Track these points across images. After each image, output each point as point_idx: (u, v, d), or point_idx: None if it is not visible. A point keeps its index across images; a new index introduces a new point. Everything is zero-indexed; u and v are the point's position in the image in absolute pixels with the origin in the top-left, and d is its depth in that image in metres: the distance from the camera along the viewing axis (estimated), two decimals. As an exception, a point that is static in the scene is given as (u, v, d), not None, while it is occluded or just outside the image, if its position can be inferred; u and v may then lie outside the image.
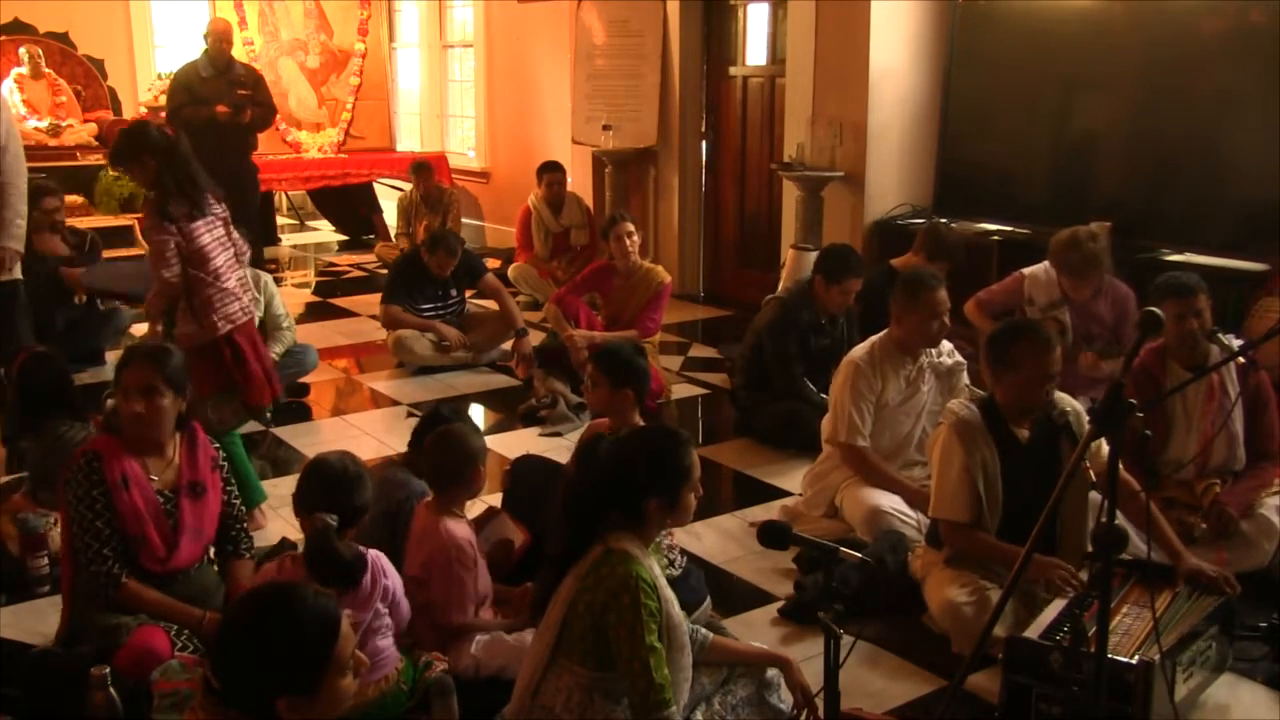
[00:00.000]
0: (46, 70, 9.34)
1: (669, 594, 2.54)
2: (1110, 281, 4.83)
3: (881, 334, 4.10)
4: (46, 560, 3.64)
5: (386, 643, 2.85)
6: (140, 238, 8.47)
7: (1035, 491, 2.95)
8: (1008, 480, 3.24)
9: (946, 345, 4.16)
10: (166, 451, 3.11)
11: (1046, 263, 4.88)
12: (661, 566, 3.04)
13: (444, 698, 2.79)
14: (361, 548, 2.80)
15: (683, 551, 3.40)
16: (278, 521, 4.24)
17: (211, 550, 3.27)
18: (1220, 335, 3.77)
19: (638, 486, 2.52)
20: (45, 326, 5.72)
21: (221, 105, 7.55)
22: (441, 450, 3.14)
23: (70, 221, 6.71)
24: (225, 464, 3.29)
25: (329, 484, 2.83)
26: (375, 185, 10.63)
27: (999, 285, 5.05)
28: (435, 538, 3.03)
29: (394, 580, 2.88)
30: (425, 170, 8.89)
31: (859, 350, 4.10)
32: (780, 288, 5.95)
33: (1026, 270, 4.94)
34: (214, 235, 3.94)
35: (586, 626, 2.47)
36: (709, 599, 3.37)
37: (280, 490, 4.60)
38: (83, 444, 3.88)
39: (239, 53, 8.93)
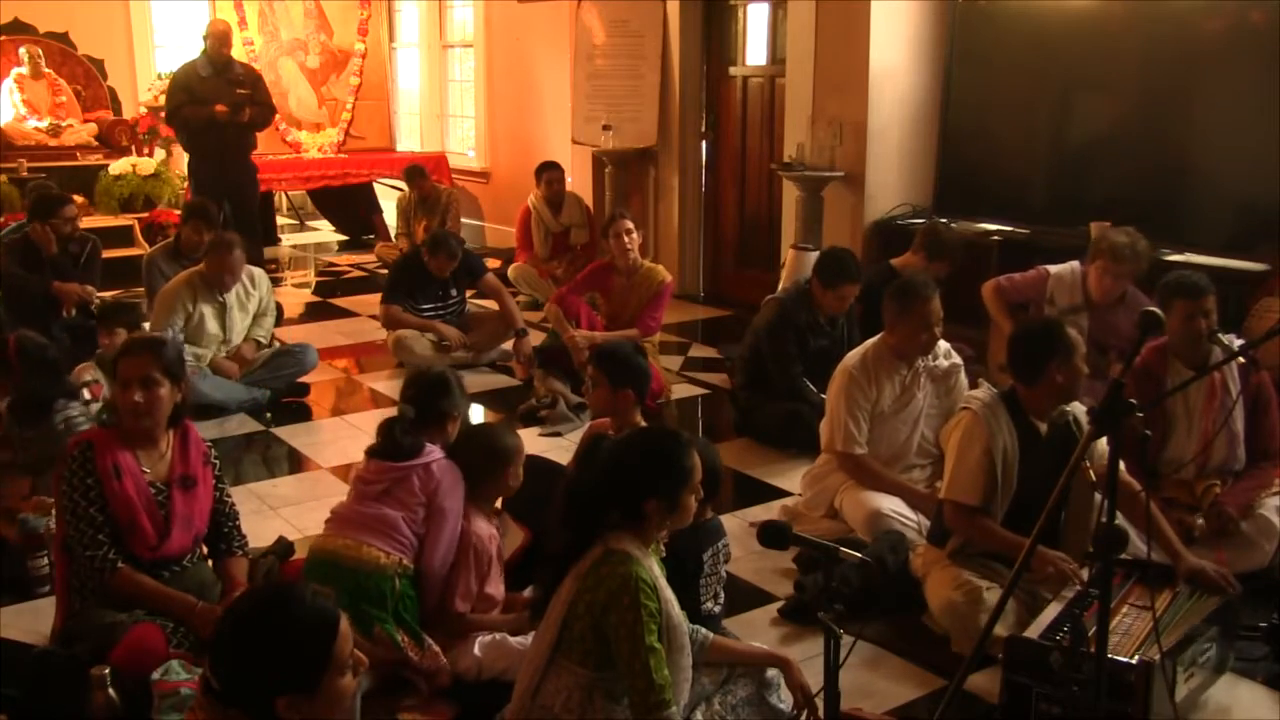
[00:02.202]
0: (46, 70, 9.34)
1: (669, 594, 2.54)
2: (1133, 293, 4.79)
3: (875, 340, 4.09)
4: (46, 560, 3.64)
5: (405, 532, 3.05)
6: (140, 237, 8.50)
7: (1045, 486, 2.95)
8: (1023, 470, 3.25)
9: (944, 346, 4.14)
10: (159, 445, 3.15)
11: (1074, 264, 4.83)
12: (705, 598, 3.04)
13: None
14: (437, 450, 3.18)
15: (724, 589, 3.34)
16: (276, 520, 4.24)
17: (204, 548, 3.28)
18: (1220, 335, 3.76)
19: (637, 486, 2.52)
20: (48, 339, 5.71)
21: (220, 104, 7.54)
22: (467, 449, 3.23)
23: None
24: (217, 461, 3.31)
25: (417, 381, 3.37)
26: (375, 185, 10.63)
27: (1022, 276, 4.98)
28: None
29: (443, 488, 3.10)
30: (418, 174, 8.88)
31: (852, 357, 4.09)
32: (780, 288, 5.95)
33: (1053, 268, 4.88)
34: None
35: (587, 627, 2.47)
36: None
37: (280, 490, 4.61)
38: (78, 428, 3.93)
39: (239, 53, 8.94)
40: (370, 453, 3.23)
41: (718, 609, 3.14)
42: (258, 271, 5.85)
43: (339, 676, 1.83)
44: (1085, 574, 3.09)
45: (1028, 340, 3.34)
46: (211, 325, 5.55)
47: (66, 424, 4.06)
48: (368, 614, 2.96)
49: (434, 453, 3.18)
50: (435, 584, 3.11)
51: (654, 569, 2.53)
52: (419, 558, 3.10)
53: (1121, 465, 2.44)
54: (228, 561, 3.28)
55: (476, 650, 3.05)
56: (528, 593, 3.32)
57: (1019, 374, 3.31)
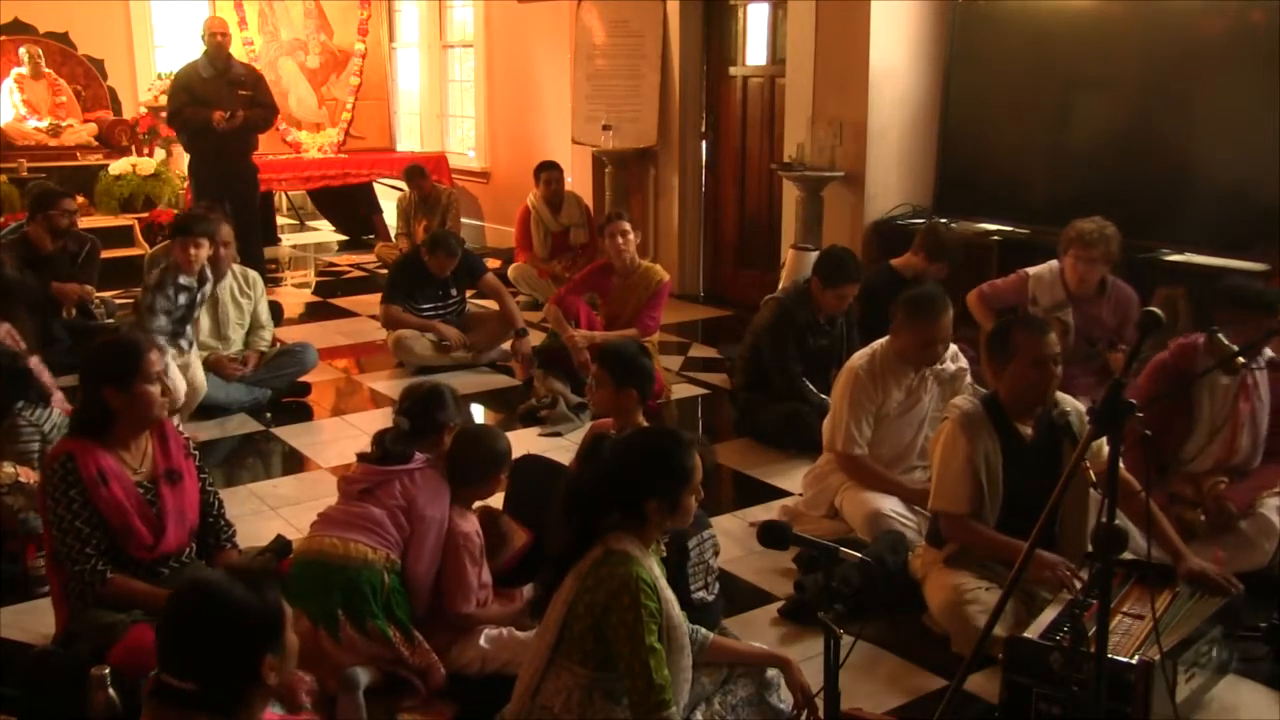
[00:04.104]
0: (46, 70, 9.34)
1: (669, 595, 2.54)
2: (1114, 283, 4.83)
3: (883, 341, 4.08)
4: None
5: (390, 531, 3.06)
6: (140, 237, 8.50)
7: (1036, 489, 2.95)
8: (1009, 476, 3.25)
9: (951, 349, 4.14)
10: (139, 444, 3.13)
11: (1052, 263, 4.87)
12: (696, 586, 3.06)
13: (349, 692, 2.81)
14: (422, 457, 3.20)
15: (719, 579, 3.37)
16: (276, 520, 4.24)
17: (195, 547, 3.27)
18: (1221, 335, 3.76)
19: (637, 486, 2.52)
20: (47, 339, 5.69)
21: (218, 112, 7.51)
22: (467, 449, 3.24)
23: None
24: (196, 453, 3.31)
25: (411, 393, 3.36)
26: (375, 185, 10.63)
27: (1003, 281, 5.04)
28: (447, 523, 3.14)
29: (420, 500, 3.11)
30: (418, 174, 8.87)
31: (860, 358, 4.08)
32: (779, 288, 5.95)
33: (1031, 270, 4.94)
34: None
35: (586, 627, 2.47)
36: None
37: (280, 490, 4.61)
38: (39, 423, 3.88)
39: (239, 53, 8.92)
40: (360, 458, 3.27)
41: (710, 597, 3.18)
42: (254, 274, 5.84)
43: (290, 630, 1.91)
44: (1084, 575, 3.09)
45: (991, 332, 3.42)
46: (205, 320, 5.54)
47: (12, 430, 3.95)
48: (360, 609, 2.96)
49: (419, 461, 3.20)
50: (422, 590, 3.11)
51: (654, 569, 2.53)
52: (404, 561, 3.10)
53: (1121, 463, 2.43)
54: (218, 556, 3.27)
55: (482, 642, 3.06)
56: (527, 591, 3.33)
57: (993, 358, 3.31)
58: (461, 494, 3.24)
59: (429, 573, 3.11)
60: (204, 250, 5.15)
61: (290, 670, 1.93)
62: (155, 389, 3.06)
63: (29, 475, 3.71)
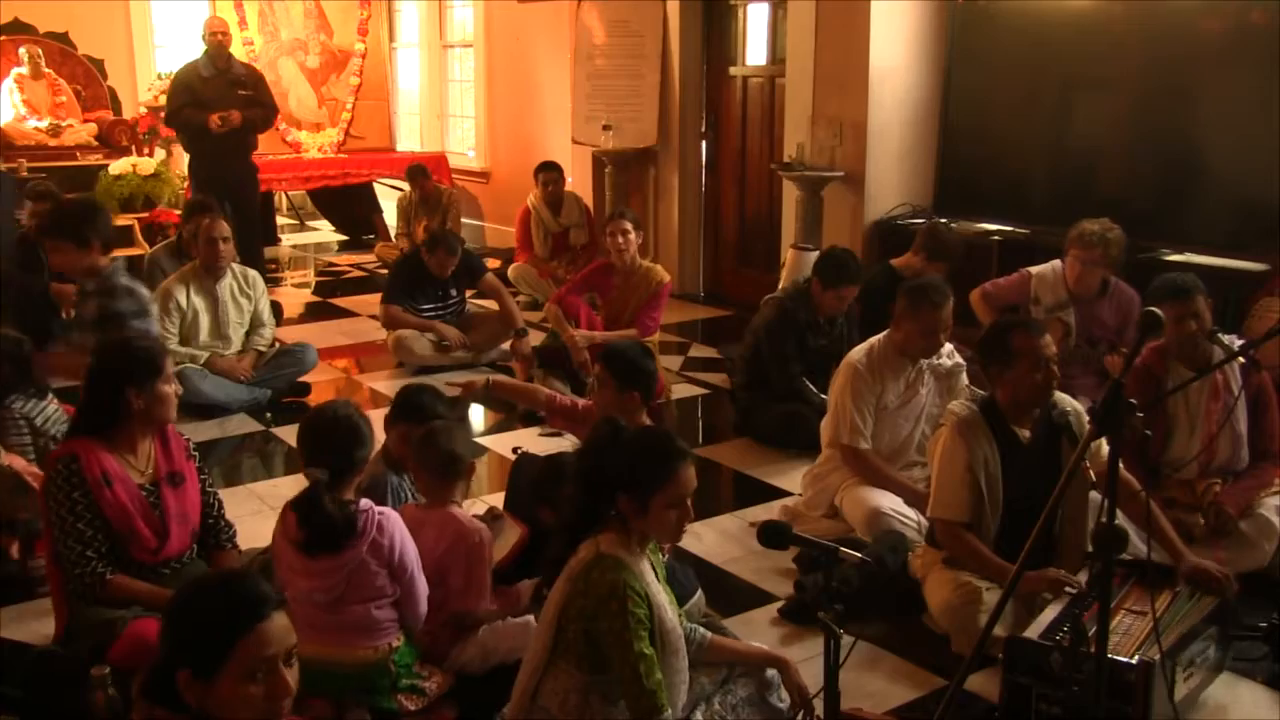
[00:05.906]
0: (46, 70, 9.33)
1: (662, 599, 2.53)
2: (1116, 284, 4.83)
3: (881, 336, 4.10)
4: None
5: (383, 614, 2.84)
6: (140, 237, 8.49)
7: (1036, 491, 2.95)
8: (1009, 479, 3.25)
9: (947, 346, 4.15)
10: (144, 447, 3.13)
11: (1055, 262, 4.87)
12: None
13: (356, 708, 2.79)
14: (368, 503, 2.81)
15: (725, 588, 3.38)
16: (274, 519, 4.22)
17: (195, 548, 3.26)
18: (1221, 335, 3.76)
19: (612, 474, 2.51)
20: (45, 340, 5.68)
21: (214, 116, 7.51)
22: (428, 449, 3.11)
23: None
24: (197, 454, 3.30)
25: (322, 435, 2.86)
26: (375, 185, 10.63)
27: (1006, 280, 5.04)
28: (452, 524, 3.05)
29: (397, 543, 2.82)
30: (420, 174, 8.89)
31: (858, 352, 4.10)
32: (779, 288, 5.95)
33: (1034, 269, 4.93)
34: None
35: (579, 630, 2.47)
36: (700, 593, 3.36)
37: (280, 490, 4.60)
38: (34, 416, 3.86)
39: (239, 53, 8.92)
40: (304, 547, 2.77)
41: None
42: (254, 273, 5.84)
43: (243, 681, 1.75)
44: (1082, 578, 3.09)
45: (985, 336, 3.41)
46: (205, 320, 5.54)
47: (3, 422, 3.93)
48: (376, 700, 2.84)
49: (368, 513, 2.80)
50: (427, 612, 3.00)
51: (646, 574, 2.52)
52: (404, 606, 2.92)
53: (1120, 464, 2.43)
54: (217, 556, 3.27)
55: (480, 635, 3.03)
56: (523, 586, 3.31)
57: (989, 362, 3.31)
58: (438, 489, 3.12)
59: (425, 608, 2.97)
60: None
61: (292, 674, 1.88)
62: (171, 389, 3.08)
63: (20, 464, 3.68)
